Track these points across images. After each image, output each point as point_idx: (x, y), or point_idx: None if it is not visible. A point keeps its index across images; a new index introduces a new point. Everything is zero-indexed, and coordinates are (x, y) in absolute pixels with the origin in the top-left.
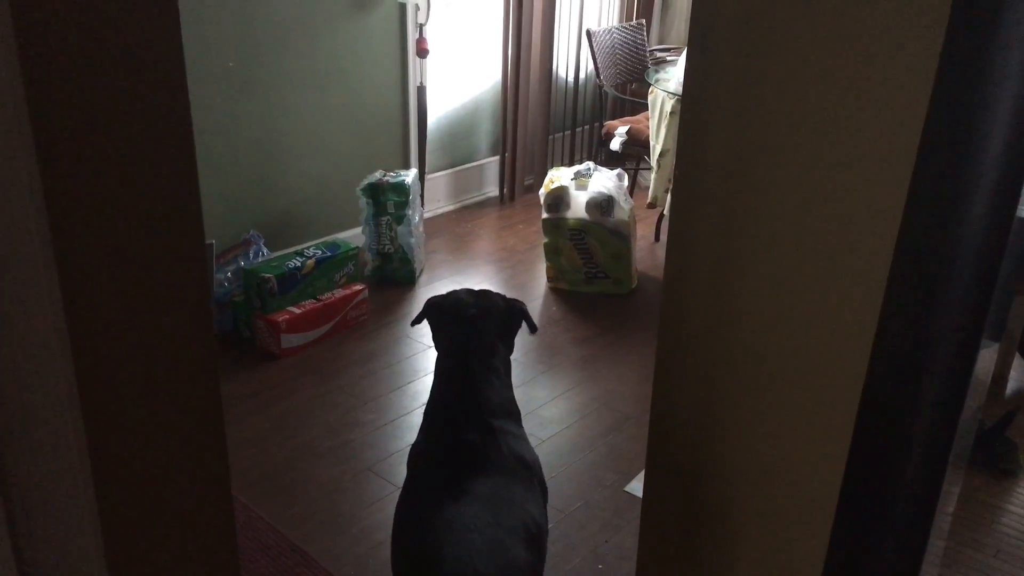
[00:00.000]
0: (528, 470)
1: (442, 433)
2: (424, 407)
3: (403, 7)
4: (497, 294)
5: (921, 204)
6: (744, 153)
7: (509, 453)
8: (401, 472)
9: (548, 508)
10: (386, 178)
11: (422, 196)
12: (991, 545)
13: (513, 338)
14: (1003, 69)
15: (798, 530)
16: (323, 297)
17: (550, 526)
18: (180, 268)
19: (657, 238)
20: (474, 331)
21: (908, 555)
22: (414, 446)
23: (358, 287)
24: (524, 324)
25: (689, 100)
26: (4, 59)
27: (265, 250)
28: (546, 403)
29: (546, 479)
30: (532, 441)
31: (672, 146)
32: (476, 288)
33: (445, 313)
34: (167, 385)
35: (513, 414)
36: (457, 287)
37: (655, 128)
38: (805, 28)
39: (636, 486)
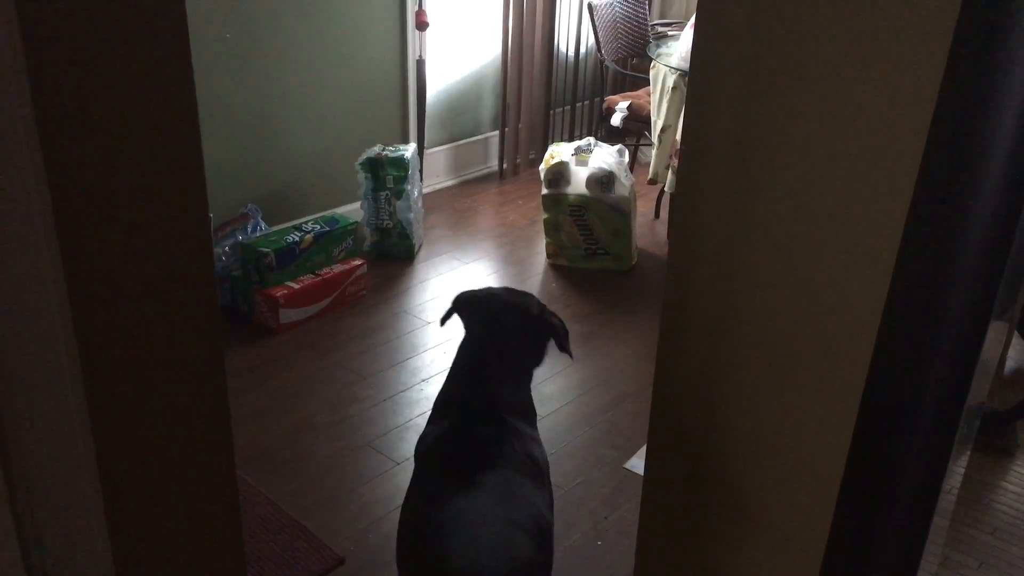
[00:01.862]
0: (538, 468)
1: (453, 425)
2: (436, 397)
3: None
4: (536, 300)
5: (932, 181)
6: (751, 128)
7: (521, 449)
8: (400, 448)
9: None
10: (385, 152)
11: (421, 171)
12: (988, 523)
13: (540, 349)
14: (1016, 45)
15: (802, 508)
16: (322, 272)
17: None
18: (184, 243)
19: (657, 215)
20: (500, 326)
21: (912, 533)
22: (422, 437)
23: (357, 262)
24: (555, 343)
25: (696, 75)
26: (5, 31)
27: (263, 224)
28: (545, 380)
29: (547, 454)
30: None
31: (673, 122)
32: (517, 289)
33: (475, 305)
34: (170, 360)
35: (526, 414)
36: (456, 263)
37: (656, 103)
38: (814, 1)
39: (636, 463)
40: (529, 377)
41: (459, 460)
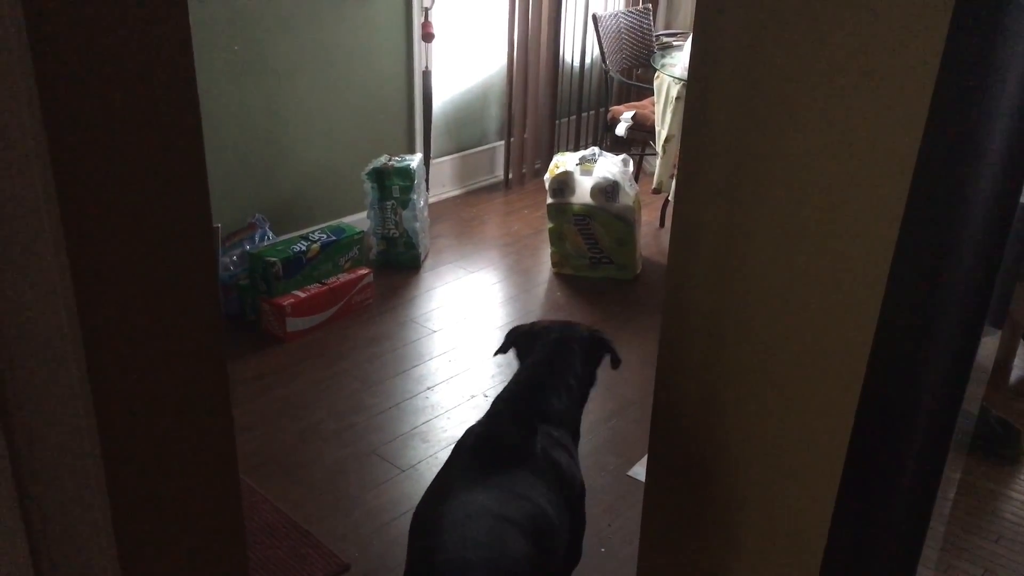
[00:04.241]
0: (558, 474)
1: (487, 422)
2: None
3: None
4: (581, 324)
5: (925, 190)
6: (748, 138)
7: (542, 454)
8: (406, 455)
9: None
10: (391, 162)
11: (427, 181)
12: (992, 531)
13: (595, 369)
14: (1008, 56)
15: (800, 514)
16: (328, 281)
17: None
18: (188, 252)
19: (662, 224)
20: (556, 349)
21: (909, 538)
22: (469, 428)
23: (363, 271)
24: (608, 359)
25: (694, 85)
26: (15, 41)
27: (270, 234)
28: None
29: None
30: None
31: (678, 132)
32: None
33: (528, 337)
34: (175, 368)
35: (566, 425)
36: (461, 272)
37: (660, 113)
38: (810, 12)
39: (639, 470)
40: (584, 396)
41: (478, 458)
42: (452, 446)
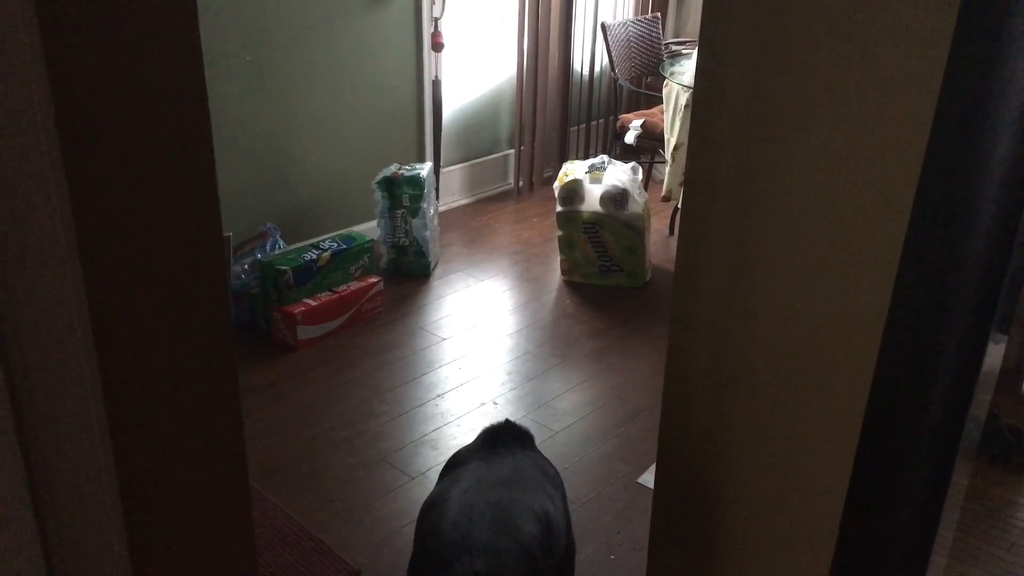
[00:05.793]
0: (550, 477)
1: (483, 437)
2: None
3: (418, 1)
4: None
5: (931, 197)
6: (755, 146)
7: (537, 457)
8: (416, 462)
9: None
10: (401, 171)
11: (437, 189)
12: (1004, 539)
13: None
14: (1013, 63)
15: (808, 522)
16: (339, 289)
17: None
18: (198, 261)
19: (671, 231)
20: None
21: (918, 545)
22: (451, 456)
23: (373, 279)
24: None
25: (701, 93)
26: (30, 54)
27: (281, 243)
28: (559, 395)
29: (559, 470)
30: (545, 433)
31: (687, 139)
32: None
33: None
34: (185, 377)
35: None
36: (471, 280)
37: (670, 121)
38: (816, 21)
39: (648, 478)
40: None
41: (482, 456)
42: None
